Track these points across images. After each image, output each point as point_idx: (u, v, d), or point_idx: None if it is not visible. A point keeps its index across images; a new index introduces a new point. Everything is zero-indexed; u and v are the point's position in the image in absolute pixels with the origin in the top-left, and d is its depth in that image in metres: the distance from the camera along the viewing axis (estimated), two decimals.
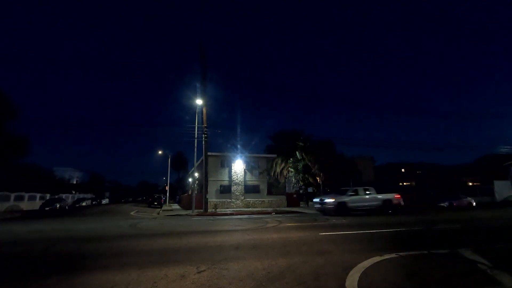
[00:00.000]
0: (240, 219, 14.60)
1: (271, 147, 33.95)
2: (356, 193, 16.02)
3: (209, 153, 21.34)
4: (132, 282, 3.84)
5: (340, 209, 15.10)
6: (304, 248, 6.02)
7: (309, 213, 19.68)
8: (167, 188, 42.60)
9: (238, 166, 27.75)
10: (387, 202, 15.92)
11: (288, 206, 27.03)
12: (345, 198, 15.59)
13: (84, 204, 38.88)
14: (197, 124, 20.69)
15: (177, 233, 8.94)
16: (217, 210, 22.55)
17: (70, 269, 4.60)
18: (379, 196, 16.10)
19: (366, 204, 15.82)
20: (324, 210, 15.88)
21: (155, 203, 31.81)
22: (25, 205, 29.39)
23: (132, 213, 21.87)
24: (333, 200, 15.48)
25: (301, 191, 30.28)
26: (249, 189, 28.10)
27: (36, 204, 30.11)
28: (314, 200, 18.35)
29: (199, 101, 20.44)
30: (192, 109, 21.44)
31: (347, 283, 3.64)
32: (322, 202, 16.10)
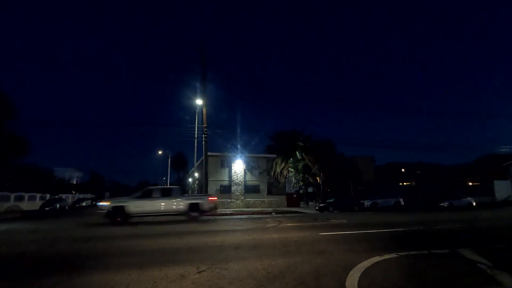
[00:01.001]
0: (240, 219, 14.62)
1: (271, 147, 33.96)
2: (148, 195, 13.04)
3: (209, 153, 21.36)
4: (132, 282, 3.84)
5: (115, 215, 12.09)
6: (304, 248, 6.03)
7: (309, 213, 19.73)
8: None
9: (238, 166, 27.76)
10: (194, 206, 12.97)
11: (288, 206, 27.05)
12: (126, 202, 12.62)
13: (84, 204, 38.91)
14: (197, 124, 20.76)
15: (177, 233, 8.95)
16: (217, 210, 22.56)
17: (70, 269, 4.61)
18: (183, 199, 13.26)
19: (159, 209, 12.85)
20: (104, 216, 12.64)
21: None
22: (25, 205, 29.38)
23: None
24: (108, 204, 12.64)
25: (301, 191, 30.34)
26: (249, 189, 28.13)
27: (36, 204, 30.09)
28: (98, 204, 14.39)
29: (199, 101, 20.48)
30: (192, 109, 21.53)
31: (347, 283, 3.65)
32: (99, 206, 13.20)
